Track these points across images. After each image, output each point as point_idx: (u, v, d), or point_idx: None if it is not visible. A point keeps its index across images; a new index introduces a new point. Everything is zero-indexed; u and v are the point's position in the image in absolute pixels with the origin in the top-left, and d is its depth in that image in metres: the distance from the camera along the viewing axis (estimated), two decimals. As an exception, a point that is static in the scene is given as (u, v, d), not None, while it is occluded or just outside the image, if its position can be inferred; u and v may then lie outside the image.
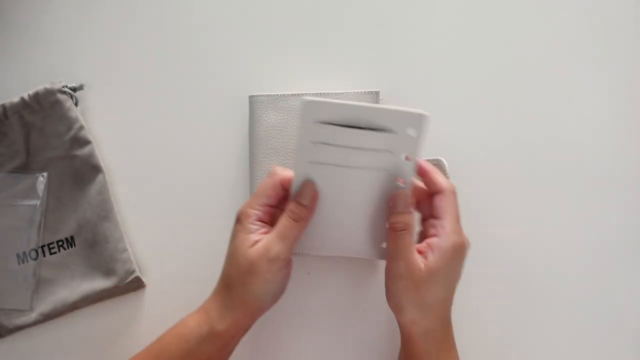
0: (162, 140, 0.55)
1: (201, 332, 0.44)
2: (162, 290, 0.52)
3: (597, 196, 0.54)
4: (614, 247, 0.53)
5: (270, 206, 0.45)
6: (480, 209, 0.53)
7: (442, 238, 0.43)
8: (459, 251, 0.43)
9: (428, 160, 0.50)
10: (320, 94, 0.52)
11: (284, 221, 0.44)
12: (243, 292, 0.44)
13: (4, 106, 0.52)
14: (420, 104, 0.54)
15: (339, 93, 0.52)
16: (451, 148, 0.53)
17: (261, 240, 0.44)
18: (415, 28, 0.55)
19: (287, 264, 0.45)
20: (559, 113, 0.54)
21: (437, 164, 0.50)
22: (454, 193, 0.45)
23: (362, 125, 0.42)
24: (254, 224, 0.44)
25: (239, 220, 0.45)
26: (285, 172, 0.46)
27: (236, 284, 0.44)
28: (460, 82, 0.55)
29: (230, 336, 0.44)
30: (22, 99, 0.52)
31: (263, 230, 0.45)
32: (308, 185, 0.45)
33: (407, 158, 0.44)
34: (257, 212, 0.45)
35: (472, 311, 0.53)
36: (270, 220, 0.46)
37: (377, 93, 0.52)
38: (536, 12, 0.55)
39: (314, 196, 0.45)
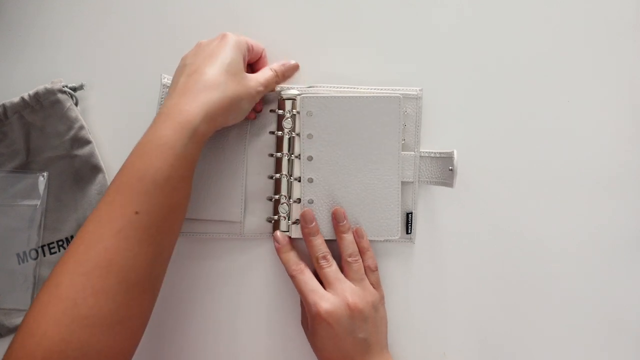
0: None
1: (183, 137, 0.42)
2: (161, 291, 0.51)
3: (597, 196, 0.54)
4: (614, 247, 0.54)
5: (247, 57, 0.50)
6: (480, 208, 0.54)
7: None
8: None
9: (441, 152, 0.51)
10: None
11: (270, 72, 0.51)
12: (223, 93, 0.45)
13: (4, 106, 0.52)
14: (423, 103, 0.54)
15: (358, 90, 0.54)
16: (450, 148, 0.53)
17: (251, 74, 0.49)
18: (416, 29, 0.55)
19: None
20: (559, 113, 0.54)
21: (448, 155, 0.50)
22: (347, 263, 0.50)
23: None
24: (244, 56, 0.49)
25: (235, 43, 0.48)
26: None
27: (219, 86, 0.45)
28: (458, 83, 0.55)
29: (207, 137, 0.45)
30: (22, 98, 0.52)
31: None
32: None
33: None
34: (246, 49, 0.49)
35: (471, 310, 0.53)
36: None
37: (399, 98, 0.52)
38: (536, 12, 0.55)
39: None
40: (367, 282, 0.49)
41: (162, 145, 0.41)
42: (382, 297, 0.50)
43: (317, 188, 0.51)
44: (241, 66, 0.48)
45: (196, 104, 0.43)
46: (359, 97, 0.51)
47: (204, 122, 0.43)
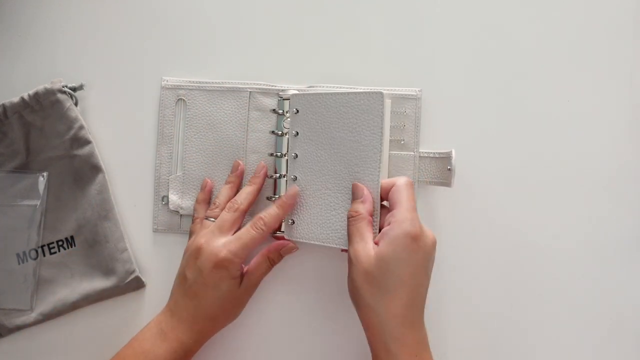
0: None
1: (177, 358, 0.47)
2: (162, 290, 0.51)
3: (597, 196, 0.54)
4: (614, 247, 0.54)
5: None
6: (479, 208, 0.54)
7: (392, 226, 0.43)
8: (412, 240, 0.42)
9: (440, 152, 0.51)
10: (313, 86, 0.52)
11: (259, 258, 0.50)
12: (224, 320, 0.49)
13: (4, 106, 0.52)
14: (422, 103, 0.54)
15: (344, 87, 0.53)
16: (449, 148, 0.53)
17: (243, 278, 0.49)
18: (416, 29, 0.55)
19: None
20: (559, 113, 0.54)
21: (447, 155, 0.50)
22: (407, 185, 0.45)
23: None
24: (239, 269, 0.48)
25: (225, 266, 0.47)
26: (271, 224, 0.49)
27: (218, 317, 0.49)
28: (457, 83, 0.55)
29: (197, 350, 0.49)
30: (22, 98, 0.52)
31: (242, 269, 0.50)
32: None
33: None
34: (242, 260, 0.48)
35: (471, 309, 0.53)
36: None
37: (381, 94, 0.47)
38: (536, 12, 0.55)
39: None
40: None
41: None
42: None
43: (300, 187, 0.51)
44: (234, 294, 0.48)
45: (192, 334, 0.47)
46: (341, 93, 0.48)
47: (197, 344, 0.48)
